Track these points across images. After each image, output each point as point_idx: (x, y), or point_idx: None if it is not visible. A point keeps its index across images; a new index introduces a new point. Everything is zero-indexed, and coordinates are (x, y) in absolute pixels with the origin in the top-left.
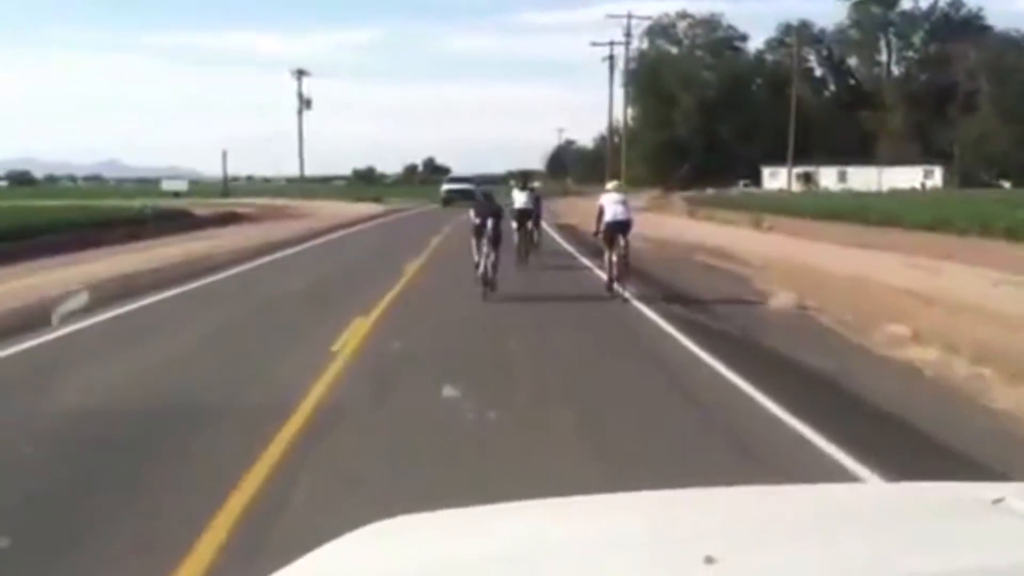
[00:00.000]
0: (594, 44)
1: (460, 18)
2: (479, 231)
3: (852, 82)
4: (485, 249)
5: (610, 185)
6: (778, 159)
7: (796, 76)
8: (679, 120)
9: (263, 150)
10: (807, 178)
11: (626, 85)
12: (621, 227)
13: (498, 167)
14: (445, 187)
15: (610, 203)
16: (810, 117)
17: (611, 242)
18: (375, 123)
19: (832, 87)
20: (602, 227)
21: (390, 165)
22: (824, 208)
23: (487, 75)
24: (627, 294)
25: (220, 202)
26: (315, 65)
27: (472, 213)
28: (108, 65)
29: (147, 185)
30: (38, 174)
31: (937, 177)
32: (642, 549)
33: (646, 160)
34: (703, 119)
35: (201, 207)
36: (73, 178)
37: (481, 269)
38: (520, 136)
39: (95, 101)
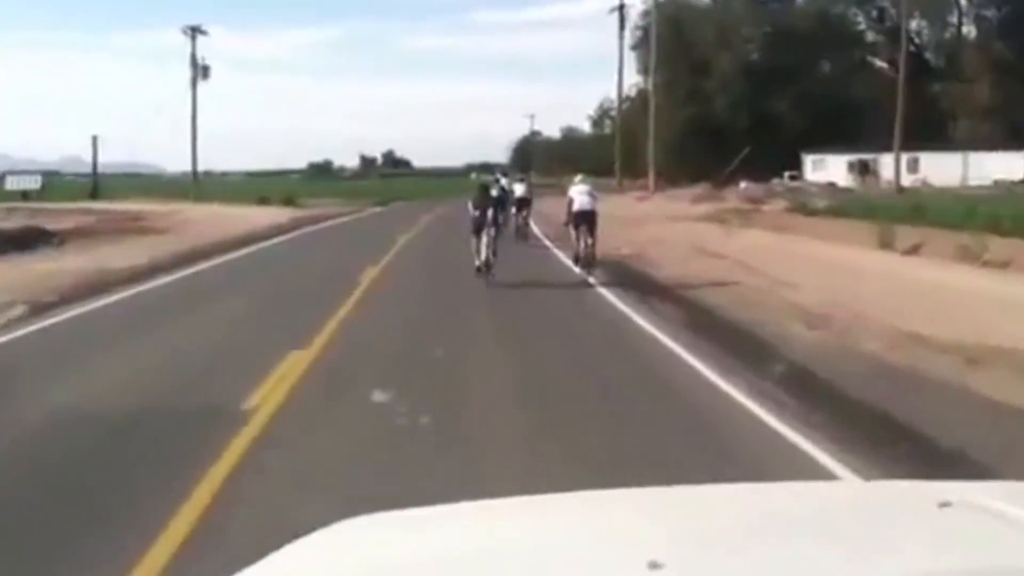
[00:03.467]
0: None
1: (418, 17)
2: (479, 223)
3: (912, 49)
4: (485, 239)
5: (577, 179)
6: (825, 143)
7: (904, 20)
8: (714, 91)
9: (218, 145)
10: (864, 168)
11: (644, 40)
12: (588, 216)
13: (459, 160)
14: None
15: (578, 195)
16: (861, 92)
17: (579, 229)
18: (335, 118)
19: (887, 56)
20: (571, 216)
21: (350, 159)
22: None
23: (447, 71)
24: (592, 279)
25: (57, 207)
26: (278, 62)
27: (470, 206)
28: (77, 63)
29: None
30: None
31: None
32: (587, 552)
33: (668, 145)
34: (746, 90)
35: (22, 215)
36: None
37: (482, 257)
38: (483, 130)
39: (63, 98)
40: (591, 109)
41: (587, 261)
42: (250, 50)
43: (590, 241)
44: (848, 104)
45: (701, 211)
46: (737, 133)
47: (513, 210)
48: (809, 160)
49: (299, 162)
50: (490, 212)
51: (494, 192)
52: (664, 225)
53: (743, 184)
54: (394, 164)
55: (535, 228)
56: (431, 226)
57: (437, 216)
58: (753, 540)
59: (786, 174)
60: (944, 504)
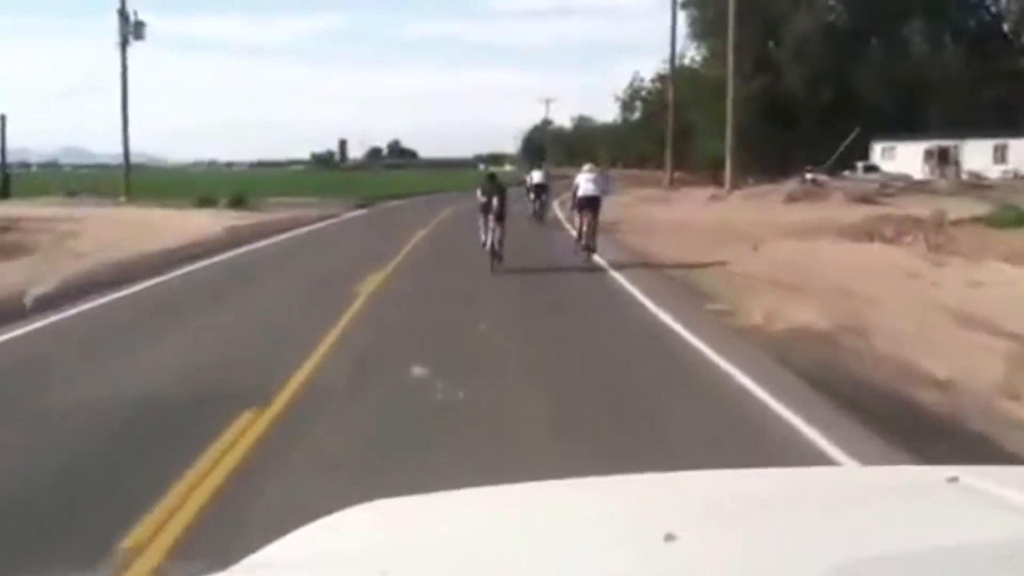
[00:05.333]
0: None
1: (424, 5)
2: (486, 208)
3: (988, 19)
4: (492, 225)
5: (586, 167)
6: (897, 127)
7: None
8: (786, 61)
9: (225, 135)
10: (943, 157)
11: None
12: (592, 201)
13: (467, 151)
14: None
15: (584, 181)
16: (925, 70)
17: (582, 212)
18: (340, 108)
19: (954, 27)
20: (575, 201)
21: (355, 149)
22: None
23: (454, 59)
24: (596, 258)
25: None
26: (280, 50)
27: (479, 192)
28: (72, 50)
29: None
30: None
31: None
32: (603, 530)
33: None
34: (826, 59)
35: None
36: (26, 164)
37: (488, 244)
38: (491, 119)
39: (58, 86)
40: (619, 90)
41: (588, 243)
42: (254, 37)
43: (591, 223)
44: (930, 81)
45: (828, 219)
46: (814, 113)
47: (532, 195)
48: (878, 148)
49: (304, 152)
50: (496, 200)
51: (528, 180)
52: (799, 248)
53: (809, 176)
54: (400, 154)
55: (559, 213)
56: (425, 254)
57: (440, 228)
58: (764, 519)
59: (860, 164)
60: (952, 479)
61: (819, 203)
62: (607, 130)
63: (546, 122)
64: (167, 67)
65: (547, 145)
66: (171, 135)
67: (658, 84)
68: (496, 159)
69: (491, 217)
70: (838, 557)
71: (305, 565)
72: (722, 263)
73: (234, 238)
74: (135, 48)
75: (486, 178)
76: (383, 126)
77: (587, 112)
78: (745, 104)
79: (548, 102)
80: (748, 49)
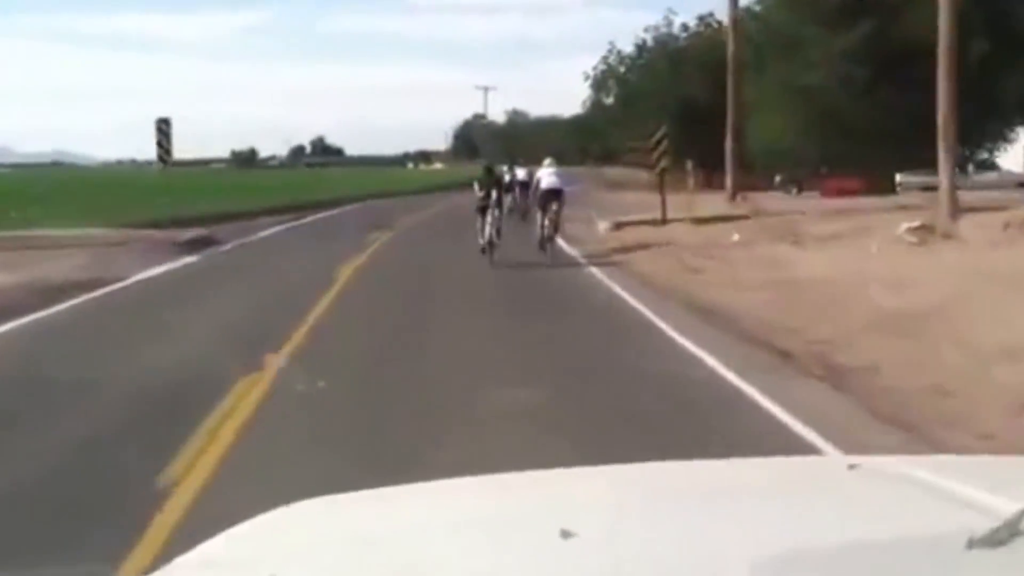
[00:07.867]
0: None
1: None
2: (484, 205)
3: None
4: (489, 218)
5: (546, 162)
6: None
7: None
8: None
9: (149, 133)
10: None
11: None
12: (555, 194)
13: (395, 148)
14: None
15: (545, 175)
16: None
17: (544, 207)
18: (262, 104)
19: None
20: (538, 195)
21: (277, 147)
22: None
23: (380, 55)
24: (560, 242)
25: None
26: (203, 46)
27: (476, 187)
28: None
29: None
30: None
31: None
32: (498, 528)
33: (804, 100)
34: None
35: None
36: None
37: (486, 237)
38: (420, 116)
39: None
40: (588, 68)
41: (551, 232)
42: (175, 33)
43: (553, 216)
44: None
45: None
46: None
47: (517, 191)
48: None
49: (224, 151)
50: (494, 194)
51: (508, 178)
52: None
53: (899, 178)
54: (324, 152)
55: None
56: None
57: (321, 368)
58: (667, 513)
59: (970, 166)
60: (853, 466)
61: None
62: (556, 123)
63: (479, 117)
64: (90, 65)
65: (481, 141)
66: (97, 134)
67: (640, 59)
68: (426, 156)
69: (489, 211)
70: (759, 553)
71: (204, 569)
72: None
73: None
74: (42, 44)
75: (484, 172)
76: (307, 123)
77: (521, 106)
78: (830, 64)
79: (487, 90)
80: None
